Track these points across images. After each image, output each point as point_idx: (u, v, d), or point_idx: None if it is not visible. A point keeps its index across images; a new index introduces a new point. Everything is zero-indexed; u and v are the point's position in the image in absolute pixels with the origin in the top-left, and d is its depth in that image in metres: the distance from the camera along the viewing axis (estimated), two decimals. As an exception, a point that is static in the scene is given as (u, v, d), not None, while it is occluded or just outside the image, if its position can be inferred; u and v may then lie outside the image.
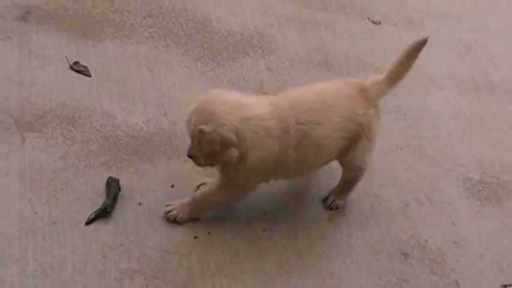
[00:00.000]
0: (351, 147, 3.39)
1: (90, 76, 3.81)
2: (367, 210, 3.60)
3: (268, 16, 4.47)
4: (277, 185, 3.58)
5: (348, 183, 3.54)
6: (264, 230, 3.40)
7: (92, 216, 3.23)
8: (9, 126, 3.48)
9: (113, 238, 3.20)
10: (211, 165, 3.25)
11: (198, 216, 3.33)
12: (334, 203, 3.55)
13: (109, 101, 3.72)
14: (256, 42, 4.28)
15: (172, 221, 3.29)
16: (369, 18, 4.69)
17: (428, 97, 4.24)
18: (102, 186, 3.34)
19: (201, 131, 3.07)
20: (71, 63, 3.84)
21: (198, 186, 3.46)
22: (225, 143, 3.08)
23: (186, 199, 3.33)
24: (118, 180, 3.36)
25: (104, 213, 3.25)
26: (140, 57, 3.99)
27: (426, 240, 3.54)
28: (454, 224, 3.65)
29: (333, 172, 3.58)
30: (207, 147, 3.11)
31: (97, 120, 3.62)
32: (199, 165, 3.24)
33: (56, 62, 3.83)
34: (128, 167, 3.45)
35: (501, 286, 3.44)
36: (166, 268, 3.15)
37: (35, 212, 3.20)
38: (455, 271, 3.45)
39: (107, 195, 3.30)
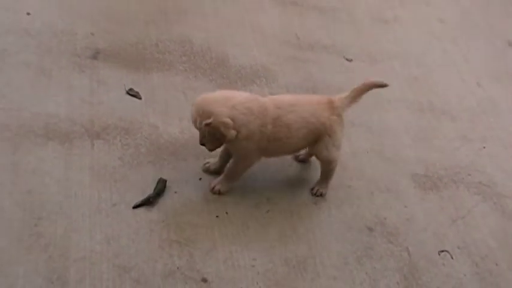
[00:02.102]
0: (317, 141, 3.40)
1: (140, 99, 3.81)
2: (342, 197, 3.58)
3: (270, 55, 4.47)
4: (277, 179, 3.58)
5: (324, 175, 3.53)
6: (268, 211, 3.39)
7: (138, 203, 3.22)
8: (83, 135, 3.48)
9: (157, 217, 3.20)
10: (218, 146, 3.28)
11: (232, 185, 3.38)
12: (318, 191, 3.53)
13: (154, 117, 3.71)
14: (261, 74, 4.27)
15: (217, 193, 3.35)
16: (344, 57, 4.68)
17: (387, 115, 4.22)
18: (149, 179, 3.33)
19: (207, 125, 3.12)
20: (127, 89, 3.84)
21: (204, 164, 3.48)
22: (225, 127, 3.13)
23: (220, 176, 3.39)
24: (166, 181, 3.34)
25: (147, 202, 3.23)
26: (177, 85, 3.99)
27: (385, 218, 3.53)
28: (405, 206, 3.63)
29: (317, 170, 3.57)
30: (214, 134, 3.15)
31: (145, 130, 3.62)
32: (210, 150, 3.28)
33: (116, 89, 3.82)
34: (167, 164, 3.44)
35: (438, 252, 3.43)
36: (195, 238, 3.15)
37: (101, 197, 3.20)
38: (406, 241, 3.44)
39: (154, 189, 3.28)
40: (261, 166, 3.54)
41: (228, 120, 3.13)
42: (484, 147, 4.18)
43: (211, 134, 3.17)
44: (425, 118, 4.33)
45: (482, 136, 4.28)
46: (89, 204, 3.16)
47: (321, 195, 3.54)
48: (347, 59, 4.65)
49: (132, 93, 3.82)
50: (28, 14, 4.12)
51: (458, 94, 4.63)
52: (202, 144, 3.26)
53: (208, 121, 3.12)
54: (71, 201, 3.14)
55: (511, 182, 3.97)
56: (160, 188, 3.30)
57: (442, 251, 3.44)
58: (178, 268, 3.01)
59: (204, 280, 3.00)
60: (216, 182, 3.36)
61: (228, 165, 3.41)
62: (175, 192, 3.33)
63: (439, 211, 3.67)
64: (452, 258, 3.42)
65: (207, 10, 4.71)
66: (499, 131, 4.35)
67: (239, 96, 3.24)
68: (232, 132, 3.16)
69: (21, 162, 3.25)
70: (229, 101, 3.18)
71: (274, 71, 4.32)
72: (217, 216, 3.28)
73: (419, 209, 3.64)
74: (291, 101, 3.36)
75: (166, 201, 3.28)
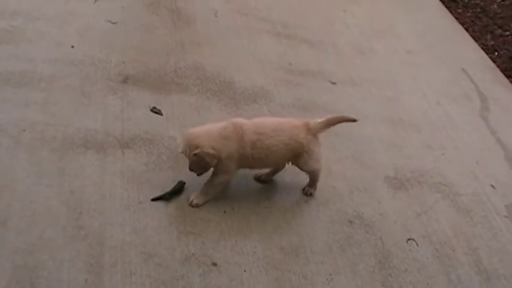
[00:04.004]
0: (298, 157, 3.38)
1: (162, 115, 3.83)
2: (328, 196, 3.59)
3: (268, 79, 4.49)
4: (275, 181, 3.59)
5: (311, 179, 3.54)
6: (266, 207, 3.41)
7: (156, 197, 3.23)
8: (115, 145, 3.51)
9: (175, 212, 3.22)
10: (205, 172, 3.29)
11: (210, 199, 3.29)
12: (308, 192, 3.55)
13: (173, 130, 3.73)
14: (261, 94, 4.29)
15: (196, 206, 3.26)
16: (329, 81, 4.70)
17: (365, 127, 4.22)
18: (169, 181, 3.35)
19: (195, 155, 3.15)
20: (151, 107, 3.86)
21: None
22: (209, 156, 3.16)
23: (198, 191, 3.30)
24: (184, 183, 3.35)
25: (164, 197, 3.24)
26: (192, 104, 4.01)
27: (363, 213, 3.54)
28: (379, 202, 3.65)
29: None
30: (200, 162, 3.19)
31: (166, 141, 3.64)
32: (198, 174, 3.30)
33: (142, 107, 3.85)
34: (184, 169, 3.41)
35: (406, 240, 3.44)
36: (206, 230, 3.17)
37: (129, 196, 3.23)
38: (380, 231, 3.45)
39: (172, 188, 3.29)
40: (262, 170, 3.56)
41: (211, 151, 3.16)
42: (443, 154, 4.20)
43: (198, 162, 3.20)
44: (396, 130, 4.34)
45: (442, 145, 4.29)
46: (120, 202, 3.18)
47: (311, 194, 3.55)
48: (332, 83, 4.67)
49: (155, 111, 3.85)
50: (72, 46, 4.16)
51: (423, 111, 4.64)
52: (191, 169, 3.28)
53: (196, 151, 3.15)
54: (106, 200, 3.17)
55: (465, 182, 3.98)
56: (177, 188, 3.31)
57: (409, 239, 3.45)
58: (193, 254, 3.03)
59: (214, 264, 3.02)
60: (194, 196, 3.28)
61: (206, 182, 3.34)
62: (191, 192, 3.33)
63: (407, 207, 3.68)
64: (417, 245, 3.43)
65: (216, 42, 4.74)
66: (455, 141, 4.37)
67: (216, 128, 3.22)
68: (214, 160, 3.19)
69: (66, 168, 3.28)
70: (209, 134, 3.20)
71: (272, 92, 4.33)
72: (224, 212, 3.30)
73: (391, 205, 3.66)
74: (271, 126, 3.31)
75: (182, 200, 3.30)
